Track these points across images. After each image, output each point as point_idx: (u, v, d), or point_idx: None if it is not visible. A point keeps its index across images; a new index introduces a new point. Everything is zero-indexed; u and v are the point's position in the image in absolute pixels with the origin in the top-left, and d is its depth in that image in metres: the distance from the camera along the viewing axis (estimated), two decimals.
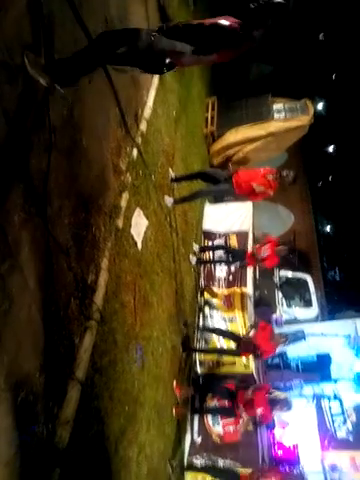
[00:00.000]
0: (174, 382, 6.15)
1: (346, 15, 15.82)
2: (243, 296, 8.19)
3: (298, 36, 16.63)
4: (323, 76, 19.71)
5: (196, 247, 8.12)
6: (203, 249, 8.50)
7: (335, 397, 9.35)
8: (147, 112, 5.77)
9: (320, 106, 19.52)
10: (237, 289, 8.27)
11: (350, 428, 8.72)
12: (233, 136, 9.91)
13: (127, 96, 5.13)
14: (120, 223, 4.58)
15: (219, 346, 7.59)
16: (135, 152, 5.14)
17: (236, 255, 8.08)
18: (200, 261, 8.29)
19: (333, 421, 8.81)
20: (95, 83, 4.11)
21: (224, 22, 3.18)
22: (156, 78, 6.31)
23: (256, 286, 8.75)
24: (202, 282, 8.42)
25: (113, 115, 4.64)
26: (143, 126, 5.55)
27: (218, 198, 9.43)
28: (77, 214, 3.72)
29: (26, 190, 2.92)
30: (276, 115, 10.02)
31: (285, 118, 9.93)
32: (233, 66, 14.92)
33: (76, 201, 3.70)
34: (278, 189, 6.30)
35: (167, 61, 3.14)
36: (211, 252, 8.55)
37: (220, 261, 8.37)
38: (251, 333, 6.91)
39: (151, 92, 6.07)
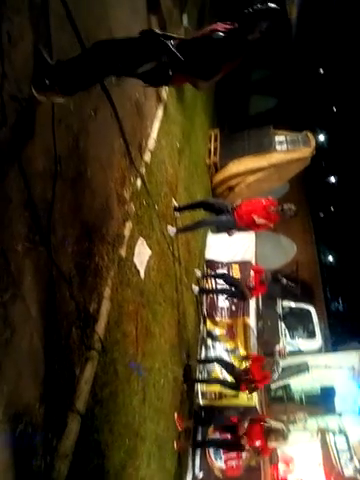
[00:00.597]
0: (175, 414, 6.04)
1: (345, 50, 16.24)
2: (246, 327, 8.12)
3: (299, 70, 17.04)
4: (324, 109, 20.10)
5: (198, 274, 8.10)
6: (205, 278, 8.47)
7: (340, 431, 9.11)
8: (151, 143, 5.86)
9: (321, 138, 19.82)
10: (240, 319, 8.20)
11: (358, 466, 8.43)
12: (235, 167, 10.03)
13: (131, 127, 5.21)
14: (123, 252, 4.59)
15: (222, 378, 7.48)
16: (139, 182, 5.20)
17: (237, 289, 8.04)
18: (202, 290, 8.25)
19: (339, 458, 8.53)
20: (100, 114, 4.19)
21: (216, 28, 3.18)
22: (160, 110, 6.43)
23: (259, 316, 8.68)
24: (204, 312, 8.36)
25: (117, 146, 4.71)
26: (147, 157, 5.63)
27: (220, 228, 9.46)
28: (80, 243, 3.73)
29: (31, 219, 2.94)
30: (278, 147, 10.15)
31: (287, 150, 10.06)
32: (235, 98, 15.27)
33: (80, 230, 3.72)
34: (280, 220, 6.33)
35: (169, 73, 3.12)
36: (213, 281, 8.52)
37: (222, 291, 8.32)
38: (245, 365, 6.84)
39: (155, 123, 6.17)
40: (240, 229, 6.59)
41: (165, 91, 6.76)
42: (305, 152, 9.83)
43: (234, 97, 15.19)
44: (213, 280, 8.49)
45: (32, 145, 3.00)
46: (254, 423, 6.09)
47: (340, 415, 9.80)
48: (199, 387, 7.30)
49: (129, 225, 4.82)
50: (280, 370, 7.27)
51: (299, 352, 11.30)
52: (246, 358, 7.09)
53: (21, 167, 2.83)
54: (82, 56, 3.35)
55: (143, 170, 5.40)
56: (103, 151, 4.31)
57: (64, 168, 3.42)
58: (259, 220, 6.15)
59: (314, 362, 10.57)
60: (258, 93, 17.28)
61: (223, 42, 3.10)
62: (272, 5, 3.16)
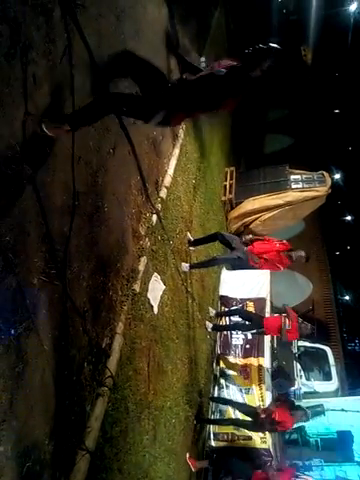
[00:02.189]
0: (187, 454, 5.87)
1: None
2: (260, 367, 7.94)
3: (314, 110, 17.30)
4: (340, 148, 20.25)
5: (212, 312, 8.03)
6: (219, 315, 8.38)
7: None
8: (167, 180, 5.95)
9: (337, 177, 19.88)
10: (254, 359, 8.03)
11: None
12: (251, 204, 10.07)
13: (149, 164, 5.32)
14: (137, 287, 4.60)
15: (235, 417, 7.28)
16: (154, 218, 5.25)
17: (253, 321, 7.93)
18: (216, 328, 8.15)
19: None
20: (118, 151, 4.30)
21: (220, 64, 3.28)
22: (177, 148, 6.56)
23: (274, 356, 8.49)
24: (218, 350, 8.23)
25: (134, 182, 4.80)
26: (163, 193, 5.71)
27: (235, 266, 9.43)
28: (95, 277, 3.76)
29: (48, 253, 2.99)
30: (293, 185, 10.20)
31: (302, 188, 10.10)
32: (251, 137, 15.52)
33: (95, 264, 3.75)
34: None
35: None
36: (228, 319, 8.42)
37: (236, 327, 8.21)
38: (269, 407, 6.65)
39: (172, 161, 6.29)
40: (253, 267, 6.58)
41: (182, 130, 6.91)
42: (321, 191, 9.85)
43: (250, 136, 15.44)
44: (227, 317, 8.40)
45: (52, 181, 3.08)
46: (282, 475, 5.92)
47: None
48: (211, 428, 7.11)
49: (144, 260, 4.85)
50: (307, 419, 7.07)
51: (315, 394, 10.97)
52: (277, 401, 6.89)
53: (40, 202, 2.90)
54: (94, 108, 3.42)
55: (159, 206, 5.47)
56: (120, 187, 4.40)
57: (82, 203, 3.50)
58: (271, 262, 6.20)
59: (330, 405, 10.23)
60: (274, 132, 17.55)
61: (224, 78, 3.18)
62: (274, 45, 3.30)
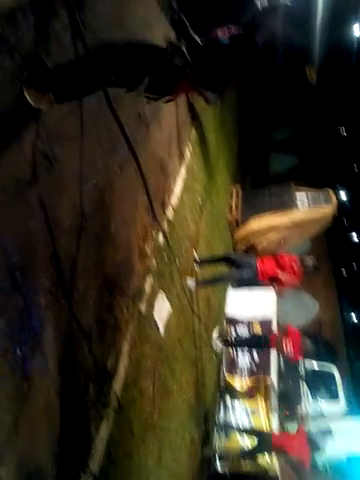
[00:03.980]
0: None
1: None
2: (266, 386, 7.86)
3: (319, 129, 17.40)
4: (345, 167, 20.30)
5: (217, 332, 7.98)
6: (225, 335, 8.33)
7: None
8: (174, 199, 5.98)
9: (343, 195, 19.90)
10: (260, 378, 7.96)
11: None
12: (257, 223, 10.09)
13: (155, 184, 5.35)
14: (143, 307, 4.59)
15: (241, 441, 7.17)
16: (161, 237, 5.26)
17: (260, 341, 7.89)
18: (222, 347, 8.09)
19: None
20: (125, 171, 4.33)
21: (219, 33, 2.89)
22: (183, 167, 6.61)
23: (280, 376, 8.40)
24: (224, 370, 8.15)
25: (141, 202, 4.82)
26: (169, 212, 5.73)
27: (241, 283, 9.40)
28: (101, 297, 3.75)
29: (55, 272, 2.99)
30: (299, 204, 10.21)
31: (308, 207, 10.11)
32: (257, 156, 15.61)
33: (101, 284, 3.75)
34: (302, 275, 6.29)
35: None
36: (234, 338, 8.36)
37: (242, 345, 8.15)
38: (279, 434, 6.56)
39: (178, 180, 6.32)
40: (262, 284, 6.55)
41: (188, 149, 6.97)
42: (327, 211, 9.86)
43: (256, 155, 15.54)
44: (233, 337, 8.35)
45: (60, 201, 3.10)
46: None
47: None
48: (217, 450, 7.00)
49: (150, 280, 4.84)
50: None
51: (322, 415, 10.78)
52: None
53: (48, 222, 2.92)
54: (81, 61, 3.09)
55: (165, 225, 5.48)
56: (127, 207, 4.42)
57: (89, 223, 3.51)
58: (283, 275, 6.12)
59: (338, 427, 10.04)
60: (279, 151, 17.65)
61: (231, 48, 2.82)
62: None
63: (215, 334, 7.82)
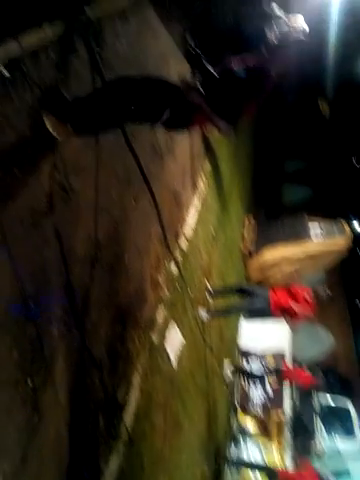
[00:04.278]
0: None
1: None
2: (279, 422, 7.67)
3: (332, 160, 17.44)
4: (358, 198, 20.22)
5: (229, 365, 7.85)
6: (238, 368, 8.19)
7: None
8: (187, 229, 6.00)
9: (357, 226, 19.76)
10: (273, 413, 7.77)
11: None
12: (270, 254, 10.05)
13: (169, 214, 5.39)
14: (155, 338, 4.55)
15: (253, 478, 6.96)
16: (174, 268, 5.26)
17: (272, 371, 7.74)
18: (234, 380, 7.95)
19: None
20: (140, 202, 4.38)
21: (237, 63, 2.92)
22: (197, 199, 6.66)
23: (294, 411, 8.20)
24: (236, 403, 7.98)
25: (155, 232, 4.85)
26: (183, 243, 5.74)
27: (254, 315, 9.30)
28: (113, 327, 3.74)
29: (67, 302, 3.00)
30: (313, 235, 10.18)
31: (322, 238, 10.07)
32: (270, 187, 15.69)
33: (114, 314, 3.74)
34: (316, 306, 6.22)
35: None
36: (246, 371, 8.22)
37: (255, 378, 8.00)
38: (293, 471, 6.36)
39: (191, 211, 6.36)
40: (275, 316, 6.48)
41: (202, 180, 7.04)
42: (340, 242, 9.80)
43: (269, 186, 15.62)
44: (246, 370, 8.21)
45: (75, 231, 3.14)
46: None
47: None
48: None
49: (162, 310, 4.82)
50: None
51: (337, 453, 10.41)
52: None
53: (62, 251, 2.94)
54: (100, 93, 3.14)
55: (178, 256, 5.49)
56: (141, 237, 4.45)
57: (103, 253, 3.54)
58: (297, 307, 6.06)
59: (355, 467, 9.68)
60: (292, 182, 17.71)
61: (246, 79, 2.82)
62: (297, 27, 2.87)
63: (227, 367, 7.69)
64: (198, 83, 2.82)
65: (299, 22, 3.03)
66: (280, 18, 3.10)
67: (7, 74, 2.38)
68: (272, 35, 3.04)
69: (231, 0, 8.37)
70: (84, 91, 3.12)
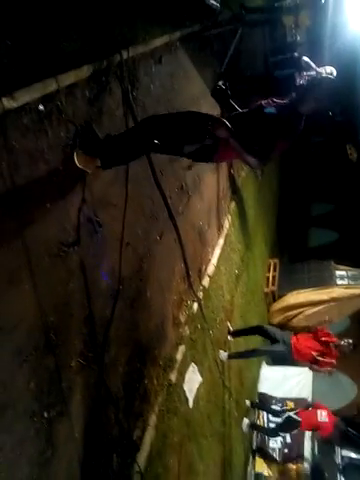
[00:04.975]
0: None
1: None
2: (299, 475, 7.31)
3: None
4: None
5: (246, 424, 7.53)
6: (256, 420, 7.89)
7: None
8: (210, 269, 5.98)
9: None
10: (293, 465, 7.43)
11: None
12: (294, 298, 9.88)
13: (193, 252, 5.40)
14: (173, 377, 4.47)
15: None
16: (195, 306, 5.22)
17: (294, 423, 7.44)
18: (253, 427, 7.66)
19: None
20: (165, 238, 4.42)
21: (267, 102, 3.02)
22: (221, 238, 6.66)
23: (315, 464, 7.82)
24: (254, 450, 7.67)
25: (178, 269, 4.85)
26: (205, 282, 5.72)
27: (276, 359, 9.07)
28: (132, 364, 3.70)
29: (88, 335, 3.00)
30: (339, 281, 10.01)
31: (348, 285, 9.89)
32: (295, 230, 15.60)
33: (133, 350, 3.71)
34: (339, 357, 6.04)
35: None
36: (266, 418, 7.93)
37: (274, 432, 7.68)
38: None
39: (216, 250, 6.36)
40: (297, 361, 6.32)
41: (227, 221, 7.07)
42: None
43: (295, 229, 15.53)
44: (265, 416, 7.92)
45: (99, 264, 3.17)
46: None
47: None
48: None
49: (182, 349, 4.75)
50: None
51: None
52: None
53: (87, 284, 2.97)
54: (130, 131, 3.29)
55: (201, 294, 5.45)
56: (164, 274, 4.45)
57: (126, 288, 3.55)
58: (319, 355, 5.91)
59: None
60: (319, 226, 17.58)
61: (276, 116, 2.92)
62: (326, 72, 3.01)
63: (246, 421, 7.40)
64: (226, 119, 2.88)
65: (328, 70, 3.12)
66: (310, 65, 3.19)
67: (42, 108, 2.49)
68: (302, 80, 3.13)
69: (264, 47, 8.65)
70: (115, 128, 3.24)
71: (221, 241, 6.62)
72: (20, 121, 2.36)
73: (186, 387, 4.74)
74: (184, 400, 4.71)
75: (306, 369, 7.99)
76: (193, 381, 4.95)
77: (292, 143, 2.96)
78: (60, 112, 2.68)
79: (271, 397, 8.25)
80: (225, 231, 6.88)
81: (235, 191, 7.68)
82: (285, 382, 8.39)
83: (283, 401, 8.08)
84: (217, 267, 6.21)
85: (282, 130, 2.88)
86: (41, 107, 2.49)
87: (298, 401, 8.00)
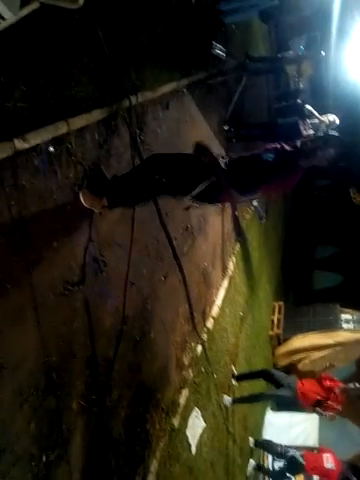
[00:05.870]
0: None
1: None
2: None
3: None
4: None
5: (251, 466, 7.27)
6: (262, 464, 7.63)
7: None
8: (215, 310, 5.94)
9: None
10: None
11: None
12: (299, 341, 9.74)
13: (198, 293, 5.38)
14: (176, 422, 4.35)
15: None
16: (199, 348, 5.15)
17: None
18: (258, 468, 7.37)
19: None
20: (169, 279, 4.42)
21: (274, 147, 3.09)
22: (226, 280, 6.65)
23: None
24: None
25: (182, 310, 4.82)
26: (210, 323, 5.66)
27: (281, 405, 8.84)
28: (134, 407, 3.62)
29: (90, 377, 2.95)
30: (344, 325, 9.90)
31: (354, 329, 9.77)
32: (300, 273, 15.56)
33: (135, 393, 3.64)
34: (347, 404, 5.89)
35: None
36: (271, 464, 7.64)
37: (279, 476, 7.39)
38: None
39: (220, 292, 6.33)
40: (302, 407, 6.16)
41: (232, 263, 7.07)
42: None
43: (299, 271, 15.50)
44: (270, 458, 7.64)
45: (103, 304, 3.17)
46: None
47: None
48: None
49: (185, 393, 4.65)
50: None
51: None
52: None
53: (90, 324, 2.96)
54: (135, 169, 3.36)
55: (205, 336, 5.39)
56: (168, 315, 4.42)
57: (129, 328, 3.53)
58: (324, 401, 5.79)
59: None
60: (323, 269, 17.53)
61: (270, 163, 2.98)
62: (329, 120, 3.06)
63: (252, 463, 7.16)
64: (223, 160, 3.01)
65: (331, 118, 3.21)
66: (313, 113, 3.29)
67: (53, 150, 2.57)
68: (305, 128, 3.22)
69: (267, 94, 8.92)
70: (122, 170, 3.32)
71: (226, 283, 6.60)
72: (30, 162, 2.42)
73: (189, 433, 4.61)
74: (187, 446, 4.57)
75: (312, 416, 7.79)
76: (196, 426, 4.81)
77: (279, 189, 3.05)
78: (70, 154, 2.76)
79: (276, 444, 7.98)
80: (230, 273, 6.87)
81: (240, 233, 7.73)
82: (291, 429, 8.15)
83: (288, 448, 7.82)
84: (222, 309, 6.17)
85: (270, 175, 2.98)
86: (51, 149, 2.56)
87: (303, 448, 7.74)
